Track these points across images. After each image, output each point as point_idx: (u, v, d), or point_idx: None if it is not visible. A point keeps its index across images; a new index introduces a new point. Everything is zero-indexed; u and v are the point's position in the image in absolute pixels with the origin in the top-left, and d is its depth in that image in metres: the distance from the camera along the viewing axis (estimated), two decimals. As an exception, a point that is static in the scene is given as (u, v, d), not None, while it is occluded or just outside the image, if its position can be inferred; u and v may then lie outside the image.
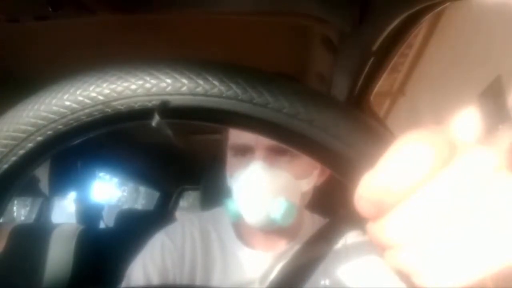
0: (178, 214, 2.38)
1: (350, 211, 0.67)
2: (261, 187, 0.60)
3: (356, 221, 0.68)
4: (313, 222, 0.73)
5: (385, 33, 0.67)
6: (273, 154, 0.62)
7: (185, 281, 0.66)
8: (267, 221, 0.61)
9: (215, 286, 0.66)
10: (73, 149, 0.28)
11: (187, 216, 0.77)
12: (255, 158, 0.62)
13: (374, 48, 0.73)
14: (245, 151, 0.64)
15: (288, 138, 0.22)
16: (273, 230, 0.66)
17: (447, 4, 0.61)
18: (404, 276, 0.18)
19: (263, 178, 0.60)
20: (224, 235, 0.71)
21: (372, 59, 0.77)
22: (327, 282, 0.65)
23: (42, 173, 1.41)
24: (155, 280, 0.64)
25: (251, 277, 0.66)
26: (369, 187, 0.18)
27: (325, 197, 0.72)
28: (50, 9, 0.69)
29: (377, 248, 0.19)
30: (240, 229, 0.71)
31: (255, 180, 0.61)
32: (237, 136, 0.64)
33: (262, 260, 0.67)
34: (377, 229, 0.18)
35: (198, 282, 0.66)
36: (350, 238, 0.70)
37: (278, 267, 0.63)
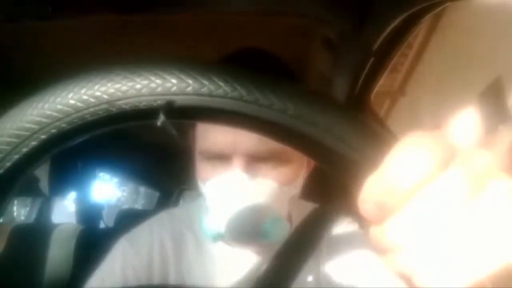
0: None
1: (340, 199, 0.63)
2: (244, 200, 0.52)
3: (344, 209, 0.64)
4: (301, 210, 0.65)
5: (385, 33, 0.68)
6: (254, 162, 0.53)
7: None
8: (257, 240, 0.53)
9: None
10: (73, 149, 0.27)
11: (157, 216, 0.68)
12: (234, 167, 0.53)
13: (374, 48, 0.73)
14: (220, 158, 0.54)
15: (292, 140, 0.22)
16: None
17: (447, 4, 0.61)
18: (405, 278, 0.18)
19: (246, 189, 0.52)
20: (200, 234, 0.61)
21: (372, 59, 0.78)
22: (310, 278, 0.59)
23: (42, 173, 1.41)
24: None
25: (234, 277, 0.59)
26: (372, 190, 0.18)
27: (316, 185, 0.65)
28: (50, 9, 0.69)
29: (379, 251, 0.19)
30: None
31: (236, 193, 0.52)
32: (210, 141, 0.54)
33: (246, 258, 0.60)
34: (379, 232, 0.18)
35: None
36: (333, 230, 0.64)
37: (263, 264, 0.58)
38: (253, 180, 0.52)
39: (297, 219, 0.63)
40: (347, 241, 0.62)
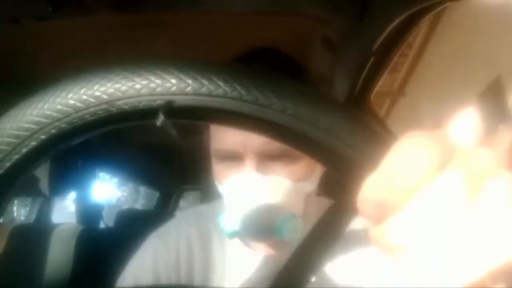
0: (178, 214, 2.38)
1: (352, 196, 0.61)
2: (258, 199, 0.53)
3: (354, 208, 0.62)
4: (318, 208, 0.64)
5: (385, 33, 0.68)
6: (265, 160, 0.54)
7: None
8: (270, 237, 0.54)
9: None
10: (73, 149, 0.28)
11: (184, 212, 0.70)
12: (246, 166, 0.54)
13: (374, 47, 0.73)
14: (233, 158, 0.55)
15: (292, 140, 0.22)
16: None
17: (447, 4, 0.61)
18: (407, 277, 0.18)
19: (259, 188, 0.53)
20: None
21: (372, 59, 0.78)
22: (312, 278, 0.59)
23: (42, 173, 1.41)
24: None
25: (254, 277, 0.60)
26: (372, 189, 0.18)
27: (333, 181, 0.63)
28: (50, 9, 0.69)
29: (381, 251, 0.19)
30: None
31: (249, 193, 0.53)
32: (221, 141, 0.56)
33: (265, 258, 0.60)
34: (379, 232, 0.19)
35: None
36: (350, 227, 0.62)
37: (282, 265, 0.58)
38: (266, 178, 0.53)
39: (315, 216, 0.62)
40: (346, 242, 0.61)
